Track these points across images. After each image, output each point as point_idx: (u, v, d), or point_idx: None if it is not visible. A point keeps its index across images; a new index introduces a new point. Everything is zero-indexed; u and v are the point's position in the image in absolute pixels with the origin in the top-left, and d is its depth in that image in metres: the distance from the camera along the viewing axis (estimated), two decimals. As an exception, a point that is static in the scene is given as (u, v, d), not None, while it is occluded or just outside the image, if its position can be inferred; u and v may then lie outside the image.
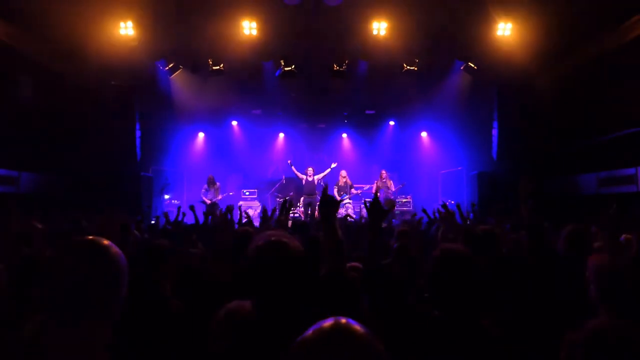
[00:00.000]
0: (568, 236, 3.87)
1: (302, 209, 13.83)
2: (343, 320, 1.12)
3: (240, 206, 9.23)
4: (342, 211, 13.86)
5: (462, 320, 2.18)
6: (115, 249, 1.50)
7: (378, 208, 2.59)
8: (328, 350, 1.06)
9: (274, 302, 1.76)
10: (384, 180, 13.86)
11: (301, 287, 1.80)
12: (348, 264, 3.57)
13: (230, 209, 6.14)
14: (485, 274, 3.47)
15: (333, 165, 13.60)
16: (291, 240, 1.88)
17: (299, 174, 13.77)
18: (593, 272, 2.43)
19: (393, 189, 13.87)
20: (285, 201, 5.41)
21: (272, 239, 1.84)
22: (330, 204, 2.43)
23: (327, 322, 1.12)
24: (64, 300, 1.38)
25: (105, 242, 1.50)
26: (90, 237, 1.51)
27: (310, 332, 1.11)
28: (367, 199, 2.67)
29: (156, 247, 3.25)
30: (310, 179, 13.61)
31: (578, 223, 3.95)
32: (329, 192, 2.55)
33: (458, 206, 6.47)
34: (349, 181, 14.39)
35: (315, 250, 3.44)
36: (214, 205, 12.93)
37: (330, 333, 1.09)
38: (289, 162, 13.93)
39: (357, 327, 1.11)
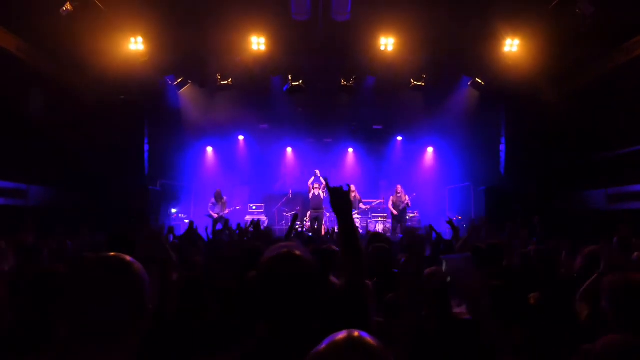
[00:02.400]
0: (586, 257, 3.82)
1: (309, 223, 13.80)
2: (356, 333, 1.13)
3: (250, 220, 9.22)
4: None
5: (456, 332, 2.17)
6: (137, 265, 1.51)
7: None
8: None
9: (285, 316, 1.71)
10: (399, 194, 13.80)
11: (314, 300, 1.75)
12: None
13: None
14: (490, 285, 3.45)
15: (317, 173, 13.67)
16: (304, 252, 1.82)
17: (311, 187, 13.78)
18: (607, 288, 2.41)
19: (408, 202, 13.82)
20: (295, 216, 5.43)
21: (284, 251, 1.78)
22: (340, 195, 2.16)
23: (341, 335, 1.13)
24: (89, 316, 1.39)
25: (128, 258, 1.51)
26: (113, 253, 1.51)
27: (323, 345, 1.12)
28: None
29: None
30: (316, 193, 13.61)
31: (596, 244, 3.90)
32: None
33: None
34: (357, 196, 14.35)
35: (324, 264, 3.42)
36: (220, 219, 12.92)
37: (345, 346, 1.10)
38: (316, 171, 13.93)
39: (370, 339, 1.12)
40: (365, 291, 2.24)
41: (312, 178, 13.89)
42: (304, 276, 1.75)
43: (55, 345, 1.68)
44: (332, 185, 2.23)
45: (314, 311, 1.74)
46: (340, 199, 2.16)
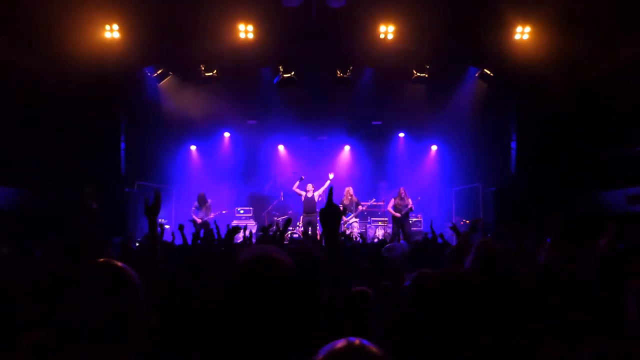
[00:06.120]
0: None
1: (302, 228, 13.82)
2: (356, 341, 1.15)
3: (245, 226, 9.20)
4: (347, 231, 13.84)
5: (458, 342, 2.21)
6: (130, 271, 1.55)
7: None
8: None
9: (260, 323, 1.68)
10: (403, 197, 13.69)
11: (292, 307, 1.74)
12: (354, 288, 3.62)
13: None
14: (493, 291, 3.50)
15: (331, 176, 13.58)
16: (281, 255, 1.81)
17: (299, 192, 13.75)
18: (635, 292, 2.45)
19: (412, 206, 13.71)
20: (288, 221, 5.45)
21: (260, 252, 1.79)
22: (332, 215, 2.28)
23: (340, 343, 1.15)
24: (83, 324, 1.43)
25: (119, 264, 1.56)
26: (103, 259, 1.56)
27: (321, 354, 1.14)
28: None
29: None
30: (309, 195, 13.63)
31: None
32: None
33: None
34: (354, 198, 14.38)
35: (316, 272, 3.47)
36: (205, 224, 12.93)
37: (344, 355, 1.12)
38: (302, 177, 13.85)
39: (371, 347, 1.13)
40: (354, 301, 2.27)
41: (297, 182, 13.83)
42: (281, 280, 1.74)
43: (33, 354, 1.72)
44: (329, 196, 2.36)
45: (291, 318, 1.73)
46: (333, 215, 2.26)
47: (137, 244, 9.13)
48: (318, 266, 3.68)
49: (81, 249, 3.79)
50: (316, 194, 13.70)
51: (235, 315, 1.71)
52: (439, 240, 7.11)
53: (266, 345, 1.69)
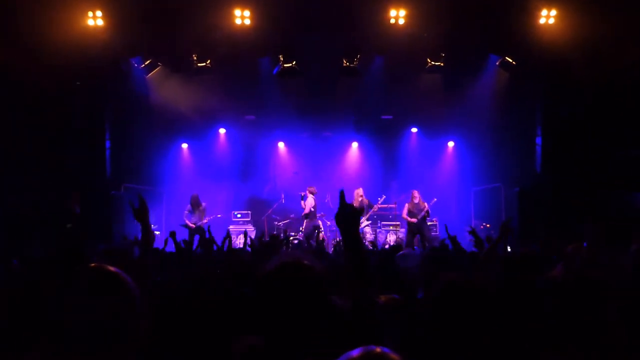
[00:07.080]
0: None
1: (304, 233, 13.77)
2: (377, 349, 1.20)
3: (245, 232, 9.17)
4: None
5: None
6: (123, 275, 1.64)
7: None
8: None
9: (290, 333, 1.77)
10: (417, 202, 13.53)
11: (321, 315, 1.83)
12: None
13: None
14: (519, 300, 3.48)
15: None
16: (312, 262, 1.92)
17: (308, 203, 13.70)
18: None
19: (428, 210, 13.53)
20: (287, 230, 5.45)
21: (291, 259, 1.89)
22: (349, 217, 2.30)
23: (357, 352, 1.19)
24: (79, 329, 1.52)
25: (112, 268, 1.66)
26: (94, 264, 1.68)
27: None
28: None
29: None
30: (310, 201, 13.62)
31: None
32: None
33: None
34: (365, 200, 14.25)
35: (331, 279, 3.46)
36: (199, 229, 12.88)
37: None
38: (302, 194, 13.84)
39: (393, 355, 1.19)
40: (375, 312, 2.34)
41: (302, 201, 13.89)
42: (313, 287, 1.85)
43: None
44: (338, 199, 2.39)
45: (319, 326, 1.83)
46: (350, 222, 2.30)
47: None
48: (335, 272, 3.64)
49: (76, 253, 3.93)
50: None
51: (268, 321, 1.83)
52: (450, 247, 7.00)
53: (295, 347, 1.79)
